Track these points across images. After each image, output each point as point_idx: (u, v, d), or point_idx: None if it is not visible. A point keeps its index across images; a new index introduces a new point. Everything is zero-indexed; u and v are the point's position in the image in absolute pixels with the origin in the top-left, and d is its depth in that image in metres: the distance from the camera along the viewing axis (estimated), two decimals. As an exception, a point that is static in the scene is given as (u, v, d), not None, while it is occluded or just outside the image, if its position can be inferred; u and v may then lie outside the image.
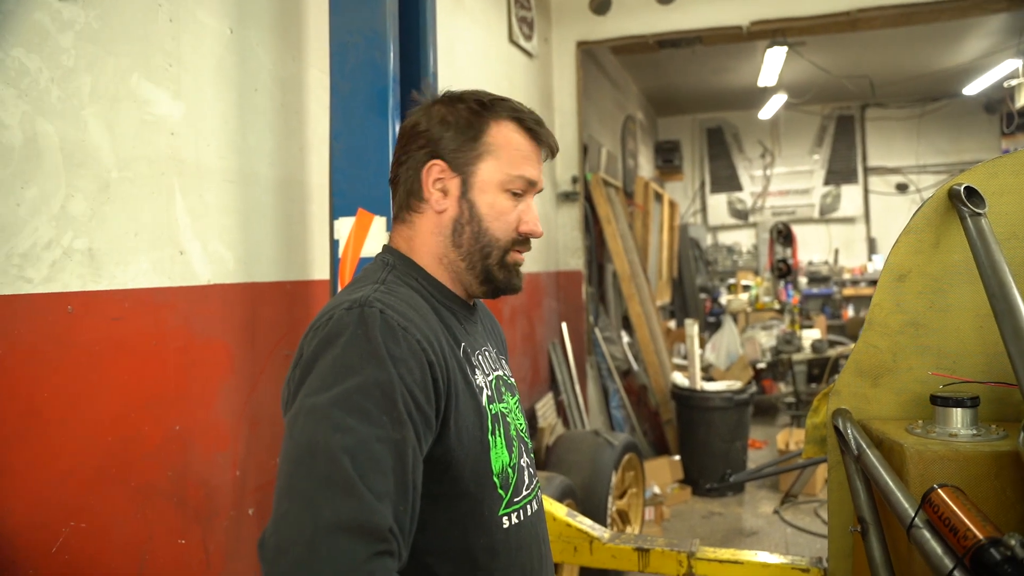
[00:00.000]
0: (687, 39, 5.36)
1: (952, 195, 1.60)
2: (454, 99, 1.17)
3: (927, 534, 1.15)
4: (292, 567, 0.76)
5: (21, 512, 1.49)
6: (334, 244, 2.14)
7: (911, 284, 1.67)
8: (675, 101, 10.90)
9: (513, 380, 1.28)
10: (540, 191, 1.20)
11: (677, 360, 6.45)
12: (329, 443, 0.84)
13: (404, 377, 0.93)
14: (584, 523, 2.64)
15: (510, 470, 1.11)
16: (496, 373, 1.19)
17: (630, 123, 8.56)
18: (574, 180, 5.46)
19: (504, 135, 1.14)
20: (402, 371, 0.93)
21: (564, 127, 5.48)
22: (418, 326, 1.00)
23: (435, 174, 1.13)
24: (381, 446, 0.87)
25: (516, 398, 1.25)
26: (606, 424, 5.36)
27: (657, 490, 4.75)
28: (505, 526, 1.10)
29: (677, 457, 5.28)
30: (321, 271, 2.48)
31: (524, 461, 1.18)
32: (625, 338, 6.07)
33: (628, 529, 4.02)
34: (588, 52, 5.75)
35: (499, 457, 1.09)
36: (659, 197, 7.96)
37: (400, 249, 1.18)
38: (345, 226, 2.11)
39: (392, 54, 2.17)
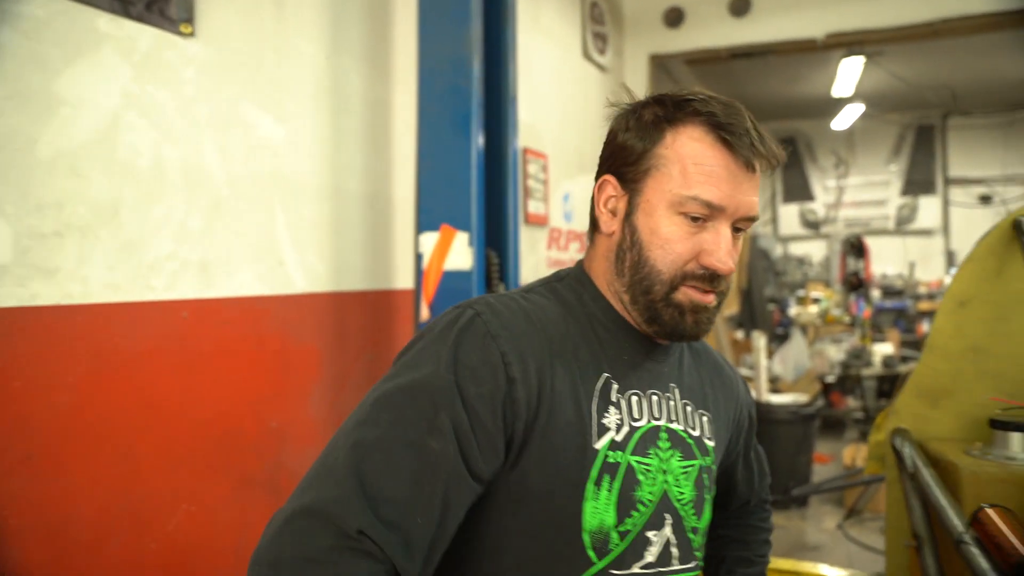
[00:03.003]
0: (760, 51, 5.35)
1: (1016, 227, 1.64)
2: (647, 102, 1.03)
3: (975, 550, 1.22)
4: (265, 540, 0.78)
5: (141, 492, 1.68)
6: (418, 257, 2.30)
7: (973, 310, 1.72)
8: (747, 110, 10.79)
9: (710, 442, 1.06)
10: (749, 218, 0.98)
11: (744, 371, 6.43)
12: (349, 436, 0.84)
13: (465, 388, 0.85)
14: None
15: (614, 534, 0.92)
16: (658, 423, 0.99)
17: (701, 132, 8.54)
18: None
19: (682, 145, 0.95)
20: (465, 381, 0.85)
21: (634, 139, 5.54)
22: (514, 337, 0.90)
23: (607, 191, 1.01)
24: (406, 451, 0.82)
25: (694, 462, 1.02)
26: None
27: (720, 501, 4.76)
28: None
29: (741, 469, 5.27)
30: (404, 281, 2.64)
31: (657, 535, 0.95)
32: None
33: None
34: (660, 63, 5.79)
35: (598, 513, 0.91)
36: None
37: (585, 267, 1.06)
38: (429, 240, 2.26)
39: (476, 79, 2.31)
